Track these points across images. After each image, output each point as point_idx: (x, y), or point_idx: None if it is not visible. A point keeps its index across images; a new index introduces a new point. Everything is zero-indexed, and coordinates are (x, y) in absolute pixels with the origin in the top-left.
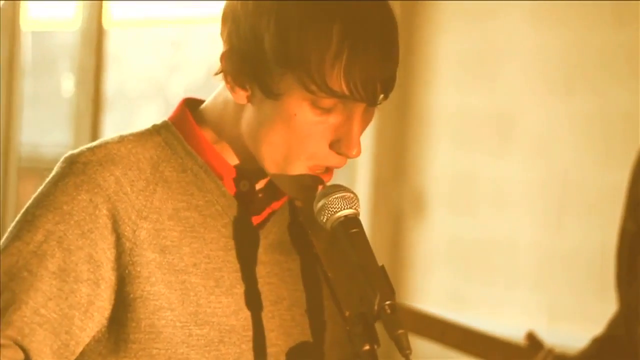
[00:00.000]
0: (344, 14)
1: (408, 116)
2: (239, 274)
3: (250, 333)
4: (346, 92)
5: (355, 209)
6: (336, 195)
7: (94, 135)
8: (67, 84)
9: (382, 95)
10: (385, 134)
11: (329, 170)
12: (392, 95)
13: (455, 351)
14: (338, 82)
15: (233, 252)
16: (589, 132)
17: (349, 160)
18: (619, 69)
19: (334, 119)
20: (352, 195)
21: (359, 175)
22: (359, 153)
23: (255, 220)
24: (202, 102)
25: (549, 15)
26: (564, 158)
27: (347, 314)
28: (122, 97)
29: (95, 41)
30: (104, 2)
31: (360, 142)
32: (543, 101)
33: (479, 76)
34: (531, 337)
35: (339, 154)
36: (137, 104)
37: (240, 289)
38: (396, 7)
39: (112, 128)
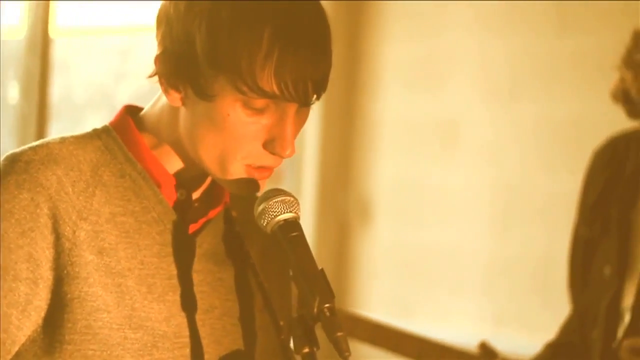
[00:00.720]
0: (275, 16)
1: (354, 123)
2: (172, 281)
3: (182, 340)
4: (277, 92)
5: (295, 212)
6: (276, 199)
7: None
8: (13, 92)
9: (314, 96)
10: (331, 141)
11: (267, 168)
12: (338, 102)
13: None
14: (269, 83)
15: (167, 259)
16: (534, 139)
17: (295, 166)
18: (563, 76)
19: (266, 120)
20: (292, 199)
21: (304, 182)
22: (292, 153)
23: (191, 228)
24: (142, 109)
25: (494, 23)
26: (509, 165)
27: (281, 323)
28: (68, 104)
29: (41, 49)
30: (50, 10)
31: (294, 142)
32: (488, 108)
33: (424, 84)
34: (484, 346)
35: (273, 153)
36: (84, 111)
37: (172, 296)
38: (342, 15)
39: (58, 136)
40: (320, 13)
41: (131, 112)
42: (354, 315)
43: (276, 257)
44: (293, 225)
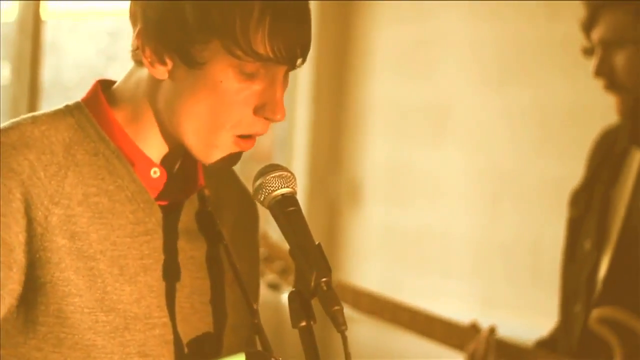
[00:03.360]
0: None
1: (344, 107)
2: (144, 262)
3: (152, 321)
4: (270, 55)
5: (292, 187)
6: (273, 175)
7: None
8: (4, 72)
9: (300, 59)
10: (322, 125)
11: (252, 137)
12: (328, 85)
13: (404, 330)
14: (263, 46)
15: (139, 239)
16: (524, 124)
17: (285, 149)
18: (553, 62)
19: (257, 85)
20: (289, 174)
21: (295, 165)
22: (283, 117)
23: (164, 207)
24: (115, 83)
25: (484, 9)
26: (499, 149)
27: (255, 306)
28: (59, 86)
29: (32, 30)
30: None
31: (284, 106)
32: (478, 93)
33: (414, 68)
34: (474, 324)
35: (266, 118)
36: (74, 93)
37: (143, 277)
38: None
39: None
40: None
41: (104, 87)
42: (353, 287)
43: (244, 238)
44: (290, 200)
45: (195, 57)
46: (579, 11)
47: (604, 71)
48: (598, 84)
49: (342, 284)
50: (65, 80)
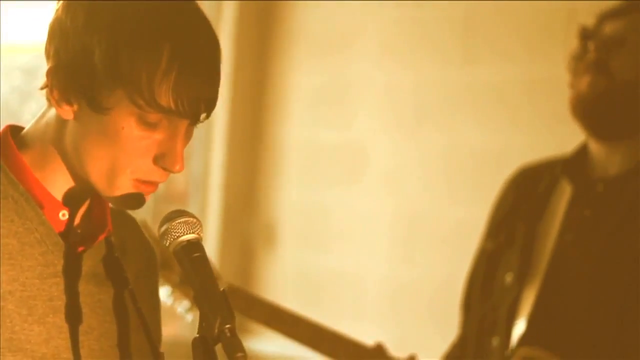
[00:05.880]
0: (175, 34)
1: (260, 148)
2: (53, 303)
3: None
4: (173, 107)
5: (197, 233)
6: (179, 220)
7: None
8: None
9: (204, 114)
10: (237, 166)
11: (153, 183)
12: (244, 126)
13: (304, 346)
14: (166, 99)
15: (48, 281)
16: (437, 168)
17: (200, 190)
18: (467, 107)
19: (158, 135)
20: (195, 220)
21: (209, 207)
22: (181, 168)
23: (72, 249)
24: (24, 129)
25: (400, 53)
26: (413, 193)
27: (160, 350)
28: None
29: None
30: None
31: (183, 158)
32: (393, 137)
33: (329, 110)
34: (380, 345)
35: (163, 168)
36: None
37: (52, 318)
38: (249, 39)
39: None
40: (214, 35)
41: (13, 131)
42: (251, 295)
43: (146, 285)
44: (195, 246)
45: (101, 102)
46: (496, 56)
47: (602, 53)
48: (513, 129)
49: (233, 287)
50: None
